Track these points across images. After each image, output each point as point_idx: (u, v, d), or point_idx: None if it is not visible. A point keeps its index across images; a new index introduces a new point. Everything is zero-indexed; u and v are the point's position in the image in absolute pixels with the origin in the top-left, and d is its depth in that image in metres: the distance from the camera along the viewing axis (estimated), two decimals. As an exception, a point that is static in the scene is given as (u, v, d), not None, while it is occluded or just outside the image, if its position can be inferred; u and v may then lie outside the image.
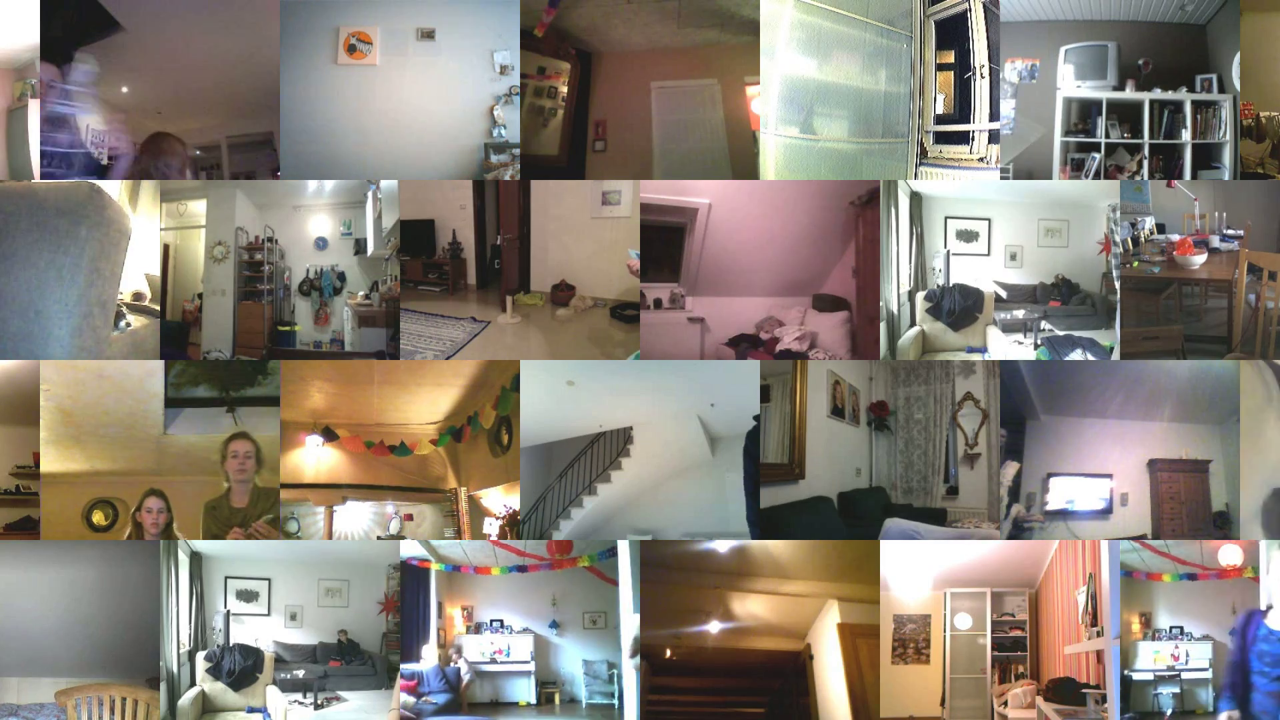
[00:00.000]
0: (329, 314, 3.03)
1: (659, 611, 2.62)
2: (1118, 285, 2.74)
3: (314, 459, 2.95)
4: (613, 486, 3.21)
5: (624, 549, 2.64)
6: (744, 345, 2.99)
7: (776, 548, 2.72)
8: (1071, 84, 2.96)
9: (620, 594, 2.63)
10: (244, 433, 2.75)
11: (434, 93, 2.86)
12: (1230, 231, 2.86)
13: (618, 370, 2.74)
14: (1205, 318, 2.85)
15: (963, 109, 2.90)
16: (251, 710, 2.77)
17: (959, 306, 2.88)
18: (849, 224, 3.01)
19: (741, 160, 3.06)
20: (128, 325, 2.77)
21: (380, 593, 2.79)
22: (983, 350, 2.81)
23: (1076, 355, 2.75)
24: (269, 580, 2.87)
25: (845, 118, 2.86)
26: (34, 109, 2.72)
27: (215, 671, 2.73)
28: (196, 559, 2.81)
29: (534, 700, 3.04)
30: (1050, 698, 2.66)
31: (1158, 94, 2.99)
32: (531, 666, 3.05)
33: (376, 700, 2.76)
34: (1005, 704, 2.75)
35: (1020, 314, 2.91)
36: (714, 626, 2.86)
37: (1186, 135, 2.95)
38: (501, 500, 2.88)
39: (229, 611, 2.85)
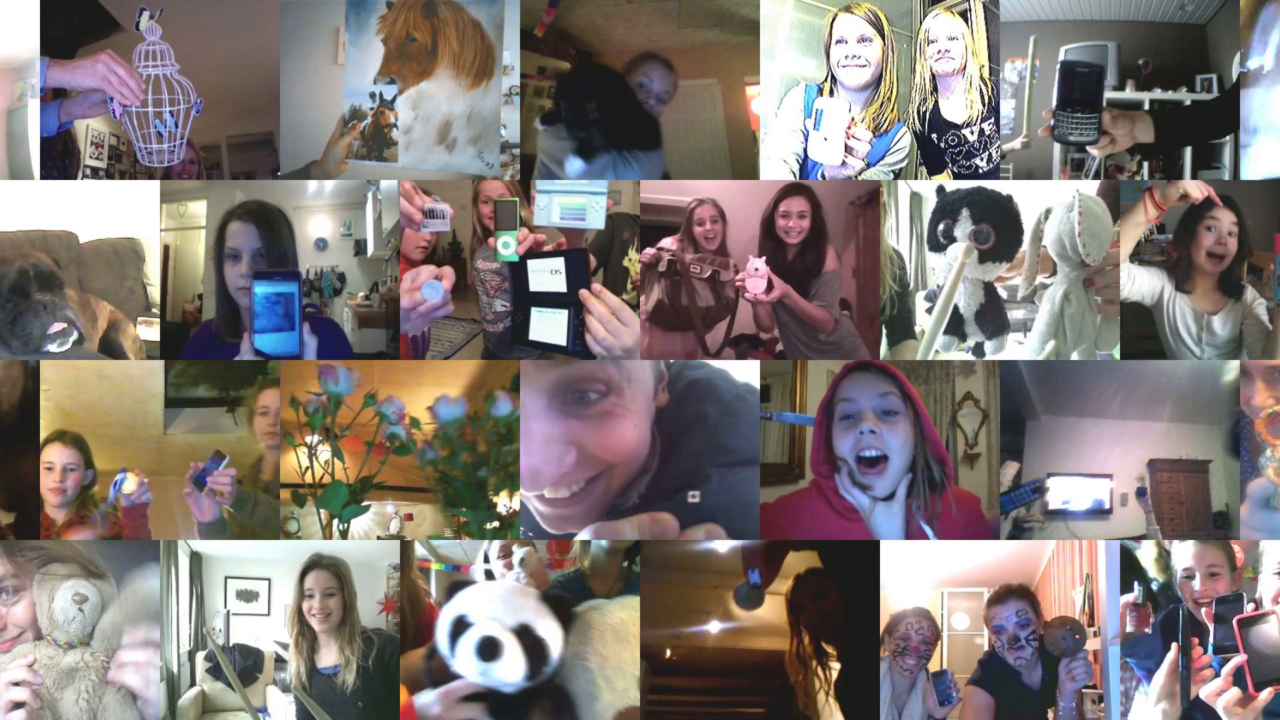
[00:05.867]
0: (329, 315, 3.02)
1: (659, 611, 2.62)
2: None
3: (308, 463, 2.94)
4: (613, 486, 3.21)
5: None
6: (744, 345, 2.99)
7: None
8: (1071, 84, 2.96)
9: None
10: (278, 379, 2.67)
11: (434, 93, 2.87)
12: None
13: (618, 370, 2.74)
14: (1206, 318, 2.86)
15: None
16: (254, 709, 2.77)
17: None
18: (849, 224, 3.01)
19: (741, 160, 3.06)
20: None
21: (380, 593, 2.79)
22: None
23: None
24: (269, 580, 2.86)
25: (845, 118, 2.87)
26: (33, 109, 2.72)
27: (215, 671, 2.74)
28: (196, 559, 2.81)
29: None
30: (1049, 698, 2.67)
31: (1158, 94, 2.99)
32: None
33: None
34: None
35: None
36: (714, 626, 2.85)
37: (1186, 135, 2.95)
38: (502, 500, 2.88)
39: (229, 611, 2.85)
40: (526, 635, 2.17)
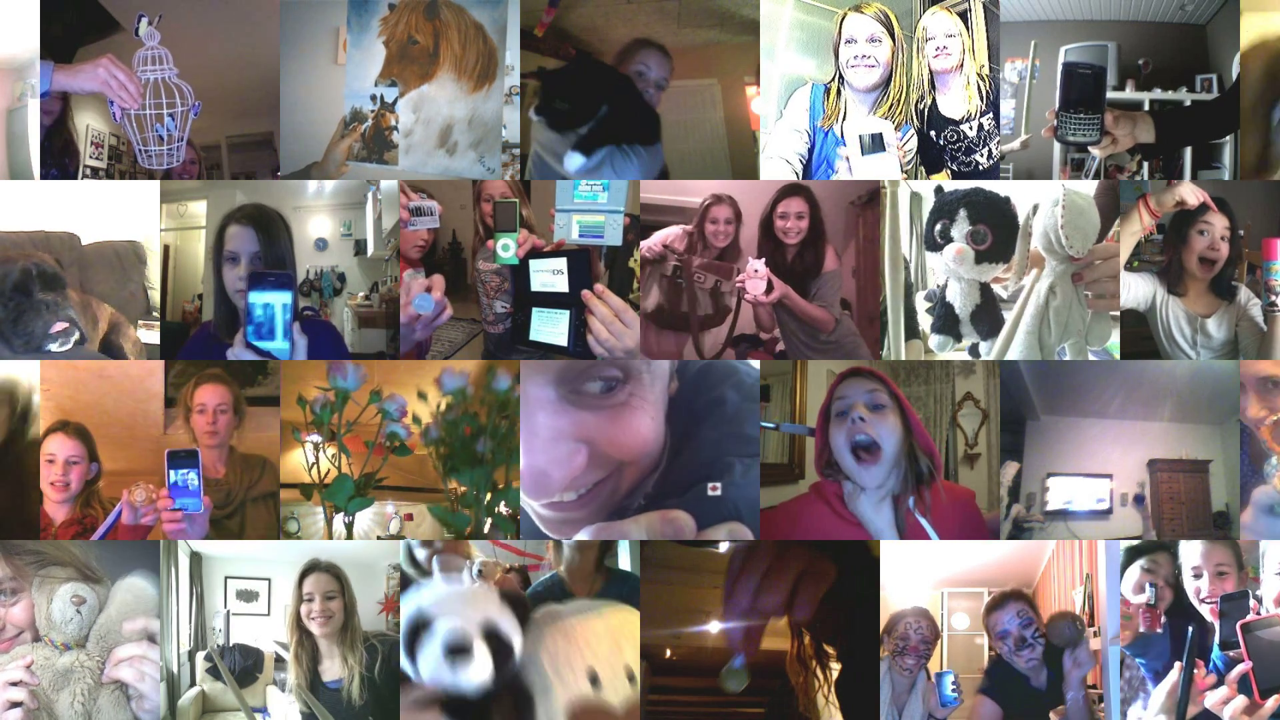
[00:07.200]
0: (329, 314, 3.03)
1: (659, 611, 2.62)
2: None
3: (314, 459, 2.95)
4: (613, 486, 3.20)
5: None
6: (744, 345, 2.99)
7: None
8: (1072, 83, 2.96)
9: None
10: (216, 374, 2.71)
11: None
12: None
13: (617, 370, 2.73)
14: (1205, 318, 2.86)
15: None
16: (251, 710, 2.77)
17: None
18: (849, 224, 3.01)
19: (741, 160, 3.06)
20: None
21: (380, 593, 2.79)
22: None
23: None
24: (269, 580, 2.86)
25: (845, 118, 2.87)
26: (34, 109, 2.72)
27: (215, 672, 2.74)
28: (196, 559, 2.81)
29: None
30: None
31: (1158, 94, 2.99)
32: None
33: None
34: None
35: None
36: (714, 626, 2.85)
37: (1186, 135, 2.95)
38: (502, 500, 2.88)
39: (229, 611, 2.85)
40: (492, 636, 2.06)
